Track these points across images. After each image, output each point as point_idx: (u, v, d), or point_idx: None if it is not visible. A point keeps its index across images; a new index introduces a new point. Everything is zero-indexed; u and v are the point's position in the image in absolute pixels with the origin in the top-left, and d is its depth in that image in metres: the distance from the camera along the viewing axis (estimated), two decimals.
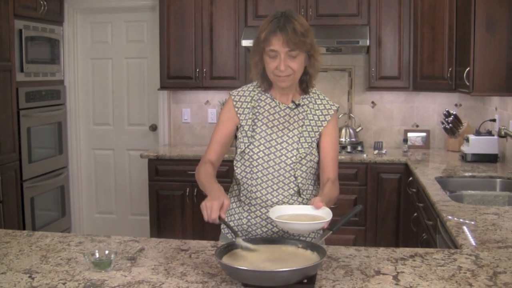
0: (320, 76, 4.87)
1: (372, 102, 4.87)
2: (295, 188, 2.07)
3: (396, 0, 4.42)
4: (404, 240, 4.18)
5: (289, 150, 2.07)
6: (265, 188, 2.07)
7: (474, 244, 1.97)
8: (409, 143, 4.71)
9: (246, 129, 2.10)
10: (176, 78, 4.73)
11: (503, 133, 3.43)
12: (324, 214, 1.76)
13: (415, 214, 3.55)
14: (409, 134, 4.77)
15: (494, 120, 4.08)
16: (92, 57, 5.28)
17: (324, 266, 1.70)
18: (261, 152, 2.07)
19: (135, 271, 1.69)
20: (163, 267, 1.72)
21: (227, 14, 4.61)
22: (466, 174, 3.51)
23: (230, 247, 1.71)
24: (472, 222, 2.26)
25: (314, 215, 1.77)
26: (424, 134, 4.77)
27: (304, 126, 2.10)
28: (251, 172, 2.08)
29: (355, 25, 4.46)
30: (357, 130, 4.74)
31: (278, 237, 2.04)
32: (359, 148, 4.53)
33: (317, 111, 2.13)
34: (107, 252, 1.71)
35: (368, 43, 4.34)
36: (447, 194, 2.87)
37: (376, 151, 4.46)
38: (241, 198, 2.13)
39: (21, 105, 4.39)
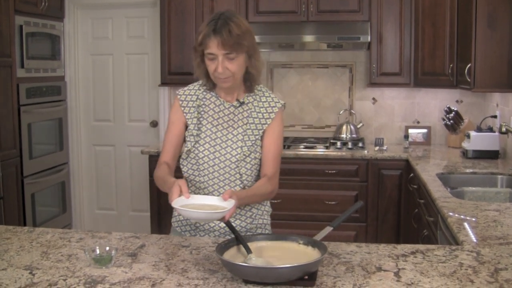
0: (321, 72, 4.91)
1: (373, 98, 4.87)
2: (240, 185, 2.11)
3: None
4: (405, 237, 4.18)
5: (234, 148, 2.10)
6: (211, 185, 2.10)
7: (475, 240, 1.97)
8: (410, 139, 4.70)
9: (192, 128, 2.13)
10: (176, 74, 4.72)
11: (504, 129, 3.42)
12: (227, 205, 1.79)
13: (416, 210, 3.55)
14: (410, 131, 4.76)
15: (495, 117, 4.07)
16: (92, 53, 5.27)
17: (325, 263, 1.70)
18: (206, 151, 2.10)
19: (135, 267, 1.69)
20: (164, 263, 1.72)
21: None
22: (467, 170, 3.51)
23: (231, 244, 1.71)
24: (473, 219, 2.26)
25: (217, 205, 1.81)
26: (425, 130, 4.76)
27: (248, 124, 2.12)
28: (198, 170, 2.11)
29: (356, 21, 4.45)
30: (358, 126, 4.73)
31: (279, 234, 2.04)
32: (360, 145, 4.52)
33: (261, 109, 2.14)
34: (107, 248, 1.71)
35: (369, 39, 4.34)
36: (448, 191, 2.87)
37: (377, 147, 4.45)
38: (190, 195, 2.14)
39: (22, 101, 4.38)
